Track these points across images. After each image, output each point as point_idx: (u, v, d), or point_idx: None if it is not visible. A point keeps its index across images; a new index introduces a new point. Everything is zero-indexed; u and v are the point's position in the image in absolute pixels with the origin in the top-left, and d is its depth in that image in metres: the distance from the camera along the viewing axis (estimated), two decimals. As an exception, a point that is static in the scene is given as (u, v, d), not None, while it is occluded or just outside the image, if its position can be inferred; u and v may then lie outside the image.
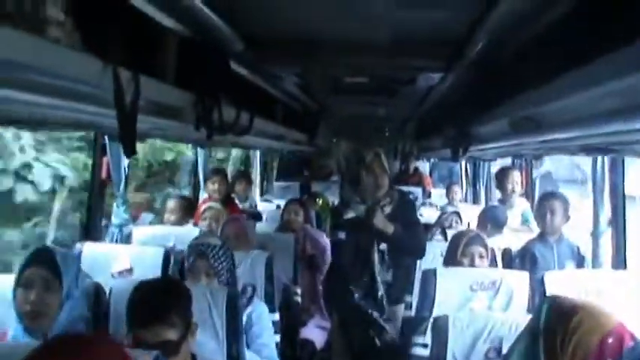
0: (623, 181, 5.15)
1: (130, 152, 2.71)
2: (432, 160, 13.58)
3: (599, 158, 5.05)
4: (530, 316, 3.22)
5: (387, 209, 4.98)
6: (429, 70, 4.97)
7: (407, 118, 10.18)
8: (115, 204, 5.70)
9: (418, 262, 5.29)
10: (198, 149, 7.95)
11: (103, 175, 5.39)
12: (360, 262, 4.96)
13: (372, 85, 6.04)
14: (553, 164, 7.72)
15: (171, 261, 4.88)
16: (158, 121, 3.69)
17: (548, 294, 4.07)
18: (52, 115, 3.06)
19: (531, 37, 3.52)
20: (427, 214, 8.93)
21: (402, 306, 5.15)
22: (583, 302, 2.34)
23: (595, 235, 5.31)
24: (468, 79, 4.66)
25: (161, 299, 2.95)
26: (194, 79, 3.72)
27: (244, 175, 9.21)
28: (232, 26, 3.79)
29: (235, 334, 3.49)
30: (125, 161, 5.46)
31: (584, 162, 13.20)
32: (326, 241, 6.55)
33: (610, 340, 2.19)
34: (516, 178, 6.91)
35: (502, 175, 7.01)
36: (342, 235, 5.15)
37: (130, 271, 4.71)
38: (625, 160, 4.96)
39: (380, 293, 4.91)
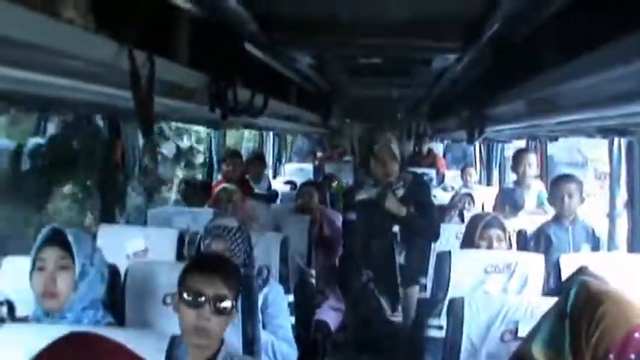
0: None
1: (148, 134, 2.70)
2: (445, 141, 13.52)
3: (616, 141, 5.01)
4: (546, 299, 3.22)
5: (400, 192, 4.98)
6: (444, 50, 4.94)
7: (421, 99, 10.15)
8: (129, 186, 5.70)
9: (433, 244, 5.28)
10: (212, 131, 7.94)
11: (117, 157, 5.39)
12: (373, 244, 4.97)
13: (386, 66, 6.01)
14: (554, 147, 7.78)
15: (186, 242, 4.88)
16: (173, 102, 3.68)
17: (563, 277, 4.06)
18: (65, 97, 3.05)
19: (548, 18, 3.49)
20: (442, 197, 8.92)
21: (417, 288, 5.14)
22: (611, 290, 2.30)
23: (611, 217, 5.28)
24: (483, 59, 4.63)
25: (222, 261, 3.15)
26: (208, 60, 3.71)
27: (258, 157, 9.19)
28: (246, 7, 3.76)
29: (250, 315, 3.49)
30: (139, 144, 5.46)
31: (585, 146, 13.28)
32: (342, 222, 6.55)
33: (636, 335, 2.15)
34: (532, 160, 6.87)
35: (518, 157, 6.97)
36: (352, 216, 5.17)
37: (144, 252, 4.71)
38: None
39: (395, 275, 4.92)
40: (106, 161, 5.48)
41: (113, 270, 3.54)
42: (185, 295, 2.87)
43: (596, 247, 5.26)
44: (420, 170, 10.73)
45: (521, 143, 8.33)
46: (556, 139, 6.50)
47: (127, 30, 2.64)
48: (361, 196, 5.09)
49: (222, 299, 2.87)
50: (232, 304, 2.92)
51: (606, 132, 4.00)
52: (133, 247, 4.72)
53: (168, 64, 3.17)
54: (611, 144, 5.11)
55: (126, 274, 3.56)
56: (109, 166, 5.42)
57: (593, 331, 2.18)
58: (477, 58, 4.71)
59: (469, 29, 4.14)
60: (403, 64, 5.96)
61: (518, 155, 7.03)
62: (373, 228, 4.98)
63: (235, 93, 3.92)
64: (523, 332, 3.09)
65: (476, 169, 10.58)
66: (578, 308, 2.27)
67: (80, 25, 2.39)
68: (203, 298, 2.84)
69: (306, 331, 5.24)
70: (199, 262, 3.08)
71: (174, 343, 2.37)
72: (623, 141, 4.97)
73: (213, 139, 8.05)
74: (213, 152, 8.05)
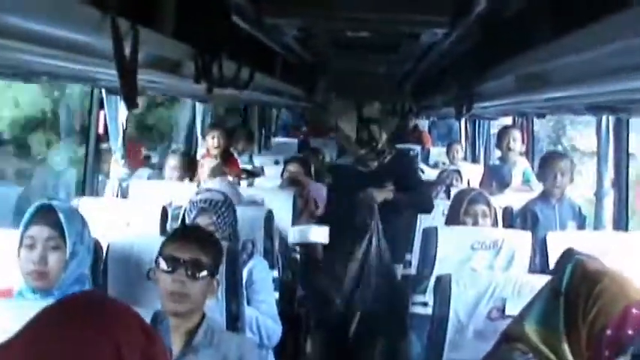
0: (628, 143, 5.10)
1: (132, 106, 2.64)
2: (431, 118, 13.49)
3: (604, 119, 4.99)
4: (533, 277, 3.21)
5: (374, 164, 5.06)
6: (433, 25, 4.87)
7: (407, 74, 10.08)
8: (113, 159, 5.65)
9: (418, 220, 5.27)
10: (197, 103, 7.84)
11: (100, 129, 5.33)
12: (349, 208, 5.04)
13: (373, 40, 5.95)
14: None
15: (169, 216, 4.83)
16: (157, 74, 3.62)
17: (550, 255, 4.05)
18: (48, 66, 2.98)
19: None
20: (429, 173, 8.92)
21: (401, 266, 5.13)
22: (608, 268, 2.29)
23: (598, 196, 5.27)
24: (472, 35, 4.58)
25: (200, 231, 3.34)
26: (194, 32, 3.63)
27: (244, 130, 9.11)
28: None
29: (235, 290, 3.45)
30: (123, 115, 5.39)
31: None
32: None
33: (633, 311, 2.14)
34: (517, 136, 6.85)
35: (502, 134, 6.96)
36: (330, 180, 5.27)
37: (127, 226, 4.66)
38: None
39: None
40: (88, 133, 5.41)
41: (96, 245, 3.49)
42: (162, 264, 2.91)
43: (582, 225, 5.27)
44: (405, 146, 10.77)
45: (508, 120, 8.32)
46: (543, 116, 6.46)
47: (110, -2, 2.56)
48: (340, 161, 5.20)
49: (197, 264, 2.89)
50: (211, 272, 2.95)
51: (594, 109, 3.96)
52: (115, 222, 4.67)
53: (152, 35, 3.09)
54: (599, 122, 5.09)
55: (108, 249, 3.51)
56: (91, 138, 5.34)
57: (590, 308, 2.17)
58: (466, 34, 4.66)
59: (458, 4, 4.08)
60: (391, 38, 5.89)
61: (503, 132, 7.03)
62: (351, 193, 5.05)
63: (221, 65, 3.85)
64: (510, 310, 3.08)
65: (462, 145, 10.58)
66: (574, 286, 2.25)
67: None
68: (178, 263, 2.87)
69: (290, 307, 5.22)
70: (177, 232, 3.15)
71: (157, 318, 2.31)
72: (612, 120, 4.96)
73: (197, 112, 7.94)
74: (197, 125, 7.95)
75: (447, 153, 9.89)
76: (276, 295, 4.47)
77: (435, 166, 9.99)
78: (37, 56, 2.59)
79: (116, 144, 5.51)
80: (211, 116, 8.14)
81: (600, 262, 2.41)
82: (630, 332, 2.12)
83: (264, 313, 3.92)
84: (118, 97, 5.12)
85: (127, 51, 2.67)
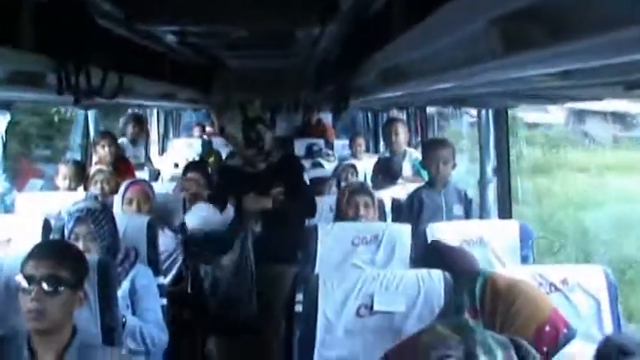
0: (507, 132, 5.21)
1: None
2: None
3: (483, 110, 5.08)
4: (401, 272, 3.24)
5: (262, 165, 5.06)
6: (305, 23, 4.88)
7: (301, 70, 10.07)
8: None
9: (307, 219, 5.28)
10: (89, 111, 7.71)
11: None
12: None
13: (255, 39, 5.92)
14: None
15: (53, 229, 4.75)
16: (22, 89, 3.56)
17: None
18: None
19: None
20: (328, 167, 8.97)
21: (293, 266, 5.12)
22: (518, 283, 2.35)
23: (481, 184, 5.37)
24: (343, 32, 4.61)
25: (60, 245, 3.32)
26: (56, 43, 3.56)
27: (136, 118, 8.91)
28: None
29: (109, 301, 3.41)
30: (1, 128, 5.29)
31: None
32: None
33: (547, 329, 2.21)
34: (400, 129, 6.86)
35: (386, 127, 6.98)
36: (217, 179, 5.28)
37: (7, 242, 4.56)
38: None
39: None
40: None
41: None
42: (22, 282, 2.86)
43: (468, 208, 5.32)
44: (309, 140, 10.80)
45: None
46: (423, 109, 6.54)
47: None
48: (230, 162, 5.19)
49: (54, 279, 2.85)
50: (71, 286, 2.89)
51: (450, 102, 4.02)
52: (-4, 238, 4.57)
53: (6, 51, 3.05)
54: (479, 112, 5.18)
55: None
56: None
57: (508, 328, 2.23)
58: (337, 31, 4.69)
59: (326, 4, 4.09)
60: (269, 38, 5.87)
61: (386, 125, 7.05)
62: (238, 194, 5.06)
63: (89, 75, 3.78)
64: (378, 306, 3.11)
65: (364, 138, 10.64)
66: (486, 303, 2.30)
67: None
68: (34, 280, 2.83)
69: (181, 312, 5.18)
70: (35, 249, 3.04)
71: (3, 340, 2.28)
72: (492, 110, 5.05)
73: (90, 119, 7.82)
74: (91, 132, 7.82)
75: (350, 146, 9.91)
76: (164, 301, 4.44)
77: (331, 160, 10.05)
78: None
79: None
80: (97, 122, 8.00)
81: (508, 277, 2.46)
82: (545, 349, 2.19)
83: (148, 320, 3.90)
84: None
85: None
